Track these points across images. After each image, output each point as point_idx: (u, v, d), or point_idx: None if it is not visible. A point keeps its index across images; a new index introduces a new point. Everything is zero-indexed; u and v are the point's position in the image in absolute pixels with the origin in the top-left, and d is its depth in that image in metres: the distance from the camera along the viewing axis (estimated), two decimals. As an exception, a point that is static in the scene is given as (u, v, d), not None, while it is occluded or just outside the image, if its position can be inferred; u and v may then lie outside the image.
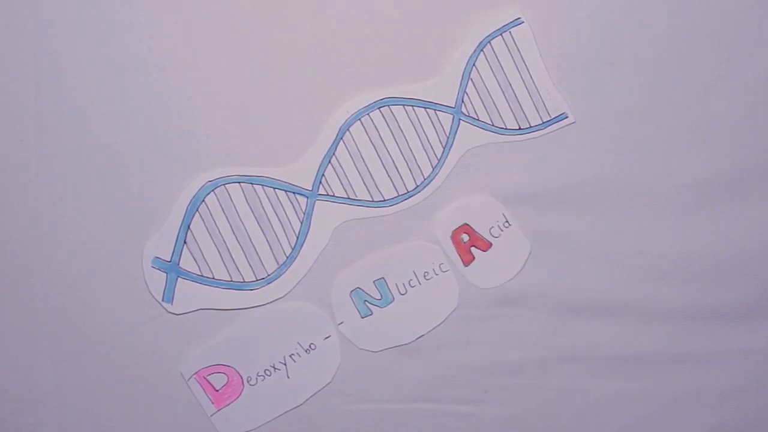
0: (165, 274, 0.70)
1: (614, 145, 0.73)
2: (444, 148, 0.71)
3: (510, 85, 0.72)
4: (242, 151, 0.72)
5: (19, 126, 0.70)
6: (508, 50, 0.72)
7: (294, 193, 0.71)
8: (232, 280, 0.71)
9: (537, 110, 0.72)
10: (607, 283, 0.73)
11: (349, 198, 0.71)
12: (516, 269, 0.73)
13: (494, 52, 0.72)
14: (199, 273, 0.70)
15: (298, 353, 0.71)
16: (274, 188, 0.71)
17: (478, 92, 0.72)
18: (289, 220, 0.71)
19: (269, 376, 0.71)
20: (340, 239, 0.72)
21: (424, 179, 0.71)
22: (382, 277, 0.72)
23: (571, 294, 0.73)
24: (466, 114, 0.71)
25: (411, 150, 0.71)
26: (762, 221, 0.73)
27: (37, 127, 0.70)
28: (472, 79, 0.72)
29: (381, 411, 0.73)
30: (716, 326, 0.73)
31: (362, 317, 0.72)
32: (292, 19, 0.71)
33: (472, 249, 0.72)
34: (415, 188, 0.71)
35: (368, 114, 0.71)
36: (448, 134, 0.71)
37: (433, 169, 0.71)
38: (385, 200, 0.71)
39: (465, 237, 0.72)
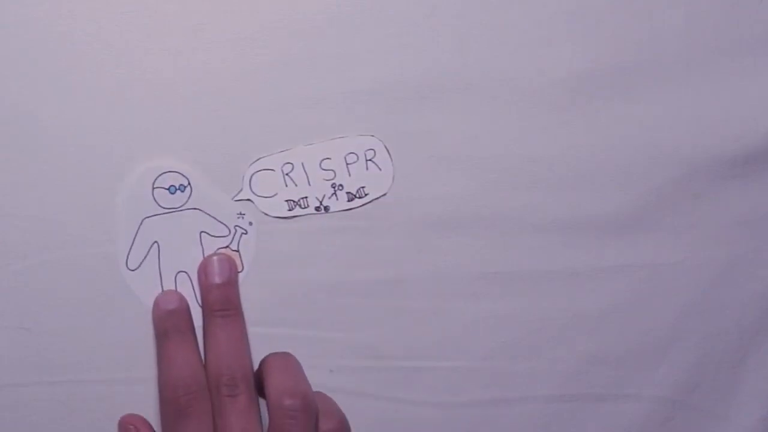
0: None
1: (477, 32, 0.64)
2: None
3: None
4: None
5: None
6: None
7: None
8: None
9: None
10: (471, 191, 0.65)
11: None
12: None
13: None
14: None
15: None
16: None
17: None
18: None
19: None
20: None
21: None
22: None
23: (429, 203, 0.65)
24: None
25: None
26: (647, 119, 0.65)
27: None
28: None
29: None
30: (594, 239, 0.66)
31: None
32: None
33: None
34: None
35: None
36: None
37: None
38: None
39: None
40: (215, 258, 0.63)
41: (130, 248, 0.64)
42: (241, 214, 0.64)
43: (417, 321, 0.66)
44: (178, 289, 0.65)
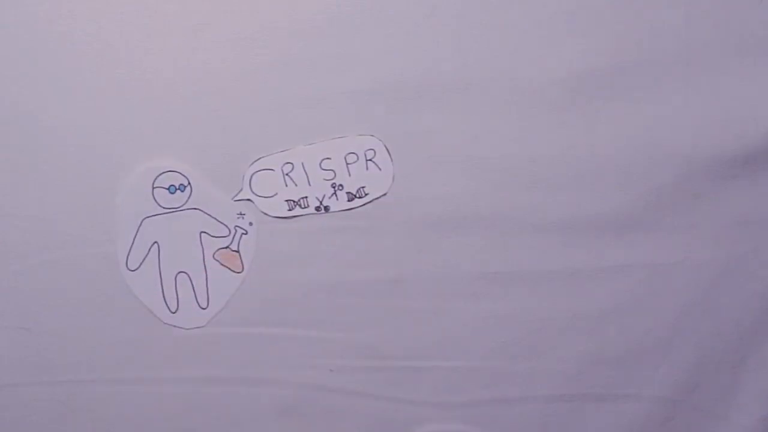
0: None
1: (477, 32, 0.64)
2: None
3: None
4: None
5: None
6: None
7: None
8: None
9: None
10: (471, 191, 0.65)
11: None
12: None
13: None
14: None
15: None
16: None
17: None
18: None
19: None
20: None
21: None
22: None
23: (429, 203, 0.65)
24: None
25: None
26: (647, 119, 0.65)
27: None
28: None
29: (214, 335, 0.65)
30: (593, 239, 0.66)
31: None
32: None
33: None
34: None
35: None
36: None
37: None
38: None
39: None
40: None
41: (130, 248, 0.64)
42: (241, 214, 0.64)
43: (417, 321, 0.66)
44: (178, 290, 0.65)
